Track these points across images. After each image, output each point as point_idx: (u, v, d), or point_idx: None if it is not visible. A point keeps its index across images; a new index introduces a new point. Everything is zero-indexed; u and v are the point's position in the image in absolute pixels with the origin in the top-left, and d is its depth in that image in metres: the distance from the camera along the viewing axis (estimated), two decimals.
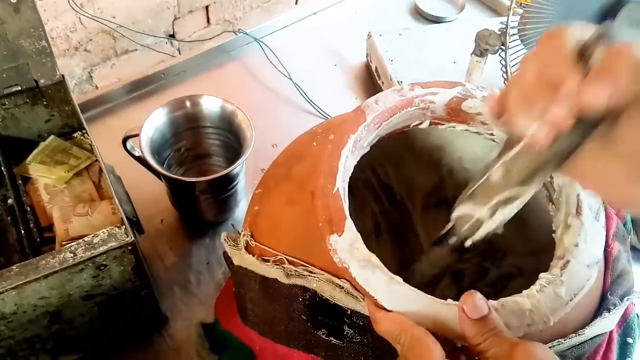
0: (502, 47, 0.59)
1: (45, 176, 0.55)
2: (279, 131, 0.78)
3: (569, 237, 0.37)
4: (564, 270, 0.35)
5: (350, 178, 0.61)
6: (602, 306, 0.40)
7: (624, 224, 0.70)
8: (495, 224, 0.38)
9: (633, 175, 0.28)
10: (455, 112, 0.44)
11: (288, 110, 0.83)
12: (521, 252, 0.56)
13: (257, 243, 0.43)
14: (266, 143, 0.76)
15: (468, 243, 0.39)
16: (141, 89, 0.82)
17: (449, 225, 0.41)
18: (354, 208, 0.62)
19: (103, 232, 0.44)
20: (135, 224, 0.56)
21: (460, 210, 0.39)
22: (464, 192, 0.39)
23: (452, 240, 0.41)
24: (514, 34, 0.60)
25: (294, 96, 0.84)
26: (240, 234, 0.46)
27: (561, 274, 0.35)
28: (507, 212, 0.37)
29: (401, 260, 0.63)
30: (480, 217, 0.38)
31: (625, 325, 0.43)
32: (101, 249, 0.43)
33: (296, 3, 1.59)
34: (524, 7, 0.60)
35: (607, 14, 0.59)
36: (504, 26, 0.58)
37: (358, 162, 0.47)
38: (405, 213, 0.63)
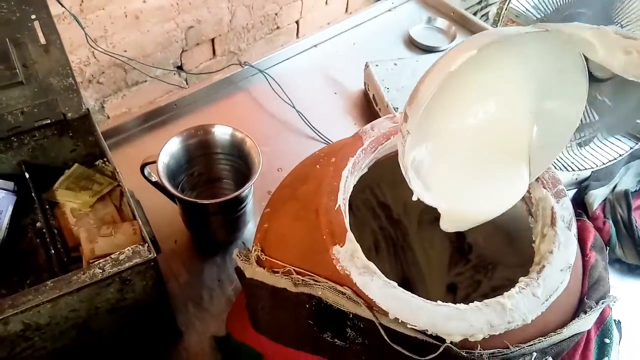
0: None
1: (71, 201, 0.60)
2: (284, 156, 0.84)
3: (544, 245, 0.41)
4: (540, 274, 0.39)
5: (351, 198, 0.66)
6: (579, 309, 0.45)
7: (609, 239, 0.74)
8: None
9: None
10: None
11: (292, 137, 0.89)
12: (511, 265, 0.61)
13: (267, 257, 0.48)
14: (272, 167, 0.81)
15: None
16: (155, 119, 0.88)
17: None
18: (355, 226, 0.67)
19: (128, 249, 0.49)
20: (153, 243, 0.60)
21: None
22: None
23: None
24: None
25: (297, 123, 0.90)
26: (250, 250, 0.50)
27: (538, 278, 0.39)
28: None
29: (400, 274, 0.67)
30: None
31: (602, 327, 0.47)
32: (127, 265, 0.48)
33: (297, 34, 1.66)
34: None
35: None
36: None
37: (357, 183, 0.52)
38: (403, 230, 0.68)
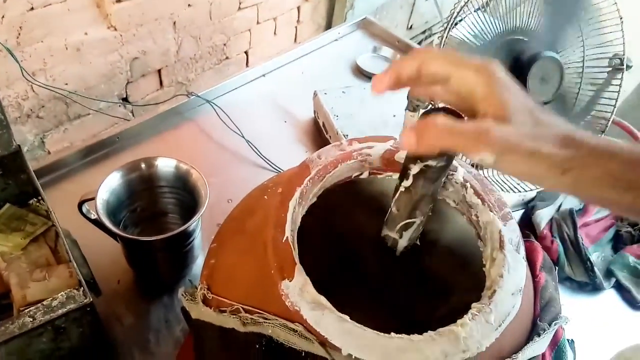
0: (432, 102, 0.66)
1: (1, 244, 0.56)
2: (233, 187, 0.81)
3: (494, 269, 0.41)
4: (491, 299, 0.39)
5: (304, 229, 0.65)
6: (533, 332, 0.45)
7: (558, 257, 0.76)
8: (406, 242, 0.52)
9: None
10: (389, 163, 0.49)
11: (242, 167, 0.87)
12: (466, 288, 0.60)
13: (213, 295, 0.45)
14: (221, 199, 0.79)
15: (397, 253, 0.54)
16: (96, 152, 0.84)
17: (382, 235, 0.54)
18: (310, 258, 0.66)
19: (61, 294, 0.45)
20: (92, 286, 0.56)
21: (383, 232, 0.53)
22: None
23: (385, 250, 0.54)
24: None
25: (247, 153, 0.88)
26: (197, 288, 0.48)
27: (489, 303, 0.39)
28: (411, 233, 0.51)
29: (356, 304, 0.65)
30: (394, 237, 0.52)
31: (557, 349, 0.47)
32: (60, 312, 0.44)
33: (247, 64, 1.66)
34: None
35: (523, 68, 0.67)
36: None
37: (310, 213, 0.50)
38: (359, 258, 0.67)
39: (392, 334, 0.37)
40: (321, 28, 1.85)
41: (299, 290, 0.39)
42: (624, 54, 0.72)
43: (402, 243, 0.52)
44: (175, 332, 0.64)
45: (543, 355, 0.45)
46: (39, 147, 1.29)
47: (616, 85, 0.73)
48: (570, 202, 0.82)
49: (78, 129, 1.32)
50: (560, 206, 0.82)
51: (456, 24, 0.70)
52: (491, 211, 0.44)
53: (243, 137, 0.89)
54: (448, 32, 0.65)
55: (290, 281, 0.39)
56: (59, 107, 1.25)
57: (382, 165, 0.49)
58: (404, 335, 0.37)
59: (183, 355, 0.58)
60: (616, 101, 0.73)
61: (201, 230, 0.67)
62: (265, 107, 0.98)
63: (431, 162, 0.42)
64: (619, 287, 0.75)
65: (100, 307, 0.65)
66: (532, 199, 0.83)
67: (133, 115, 1.41)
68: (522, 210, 0.84)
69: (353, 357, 0.36)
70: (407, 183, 0.46)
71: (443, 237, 0.61)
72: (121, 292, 0.67)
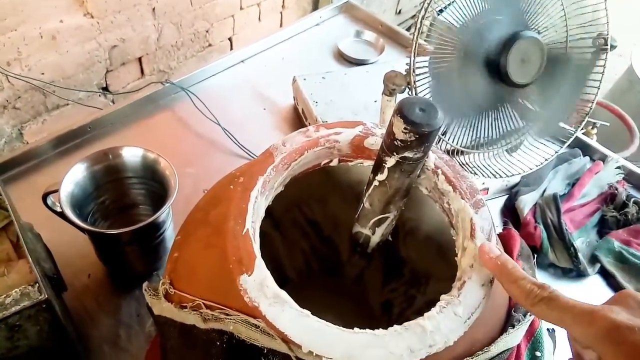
0: (408, 86, 0.64)
1: None
2: (210, 176, 0.78)
3: (465, 259, 0.39)
4: (461, 290, 0.37)
5: (278, 218, 0.63)
6: (507, 323, 0.43)
7: (541, 243, 0.74)
8: (378, 238, 0.50)
9: None
10: (359, 150, 0.47)
11: (219, 156, 0.85)
12: (443, 278, 0.59)
13: (175, 290, 0.43)
14: (198, 189, 0.76)
15: (369, 249, 0.52)
16: (67, 143, 0.82)
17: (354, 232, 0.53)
18: (285, 247, 0.64)
19: (15, 291, 0.43)
20: (56, 281, 0.54)
21: (355, 228, 0.52)
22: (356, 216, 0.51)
23: (357, 246, 0.53)
24: (420, 74, 0.64)
25: (225, 142, 0.86)
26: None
27: (458, 294, 0.37)
28: (384, 228, 0.49)
29: (332, 295, 0.64)
30: (366, 233, 0.50)
31: (533, 340, 0.46)
32: (13, 309, 0.42)
33: (231, 49, 1.63)
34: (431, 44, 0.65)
35: (502, 51, 0.64)
36: (409, 67, 0.62)
37: (283, 201, 0.48)
38: (334, 248, 0.65)
39: (356, 329, 0.35)
40: (307, 14, 1.81)
41: (258, 285, 0.37)
42: (607, 34, 0.69)
43: (375, 239, 0.50)
44: (146, 327, 0.62)
45: (519, 346, 0.44)
46: (17, 138, 1.26)
47: (600, 66, 0.71)
48: (554, 187, 0.80)
49: (57, 119, 1.29)
50: (544, 191, 0.80)
51: (441, 10, 0.68)
52: (462, 198, 0.42)
53: (219, 124, 0.87)
54: (424, 14, 0.62)
55: (249, 275, 0.37)
56: (36, 98, 1.22)
57: (352, 152, 0.47)
58: (368, 330, 0.35)
59: (153, 352, 0.56)
60: (600, 83, 0.71)
61: (174, 221, 0.65)
62: (244, 94, 0.96)
63: (408, 154, 0.40)
64: (604, 273, 0.74)
65: (70, 301, 0.63)
66: (516, 185, 0.82)
67: (114, 104, 1.38)
68: (506, 196, 0.82)
69: (315, 354, 0.35)
70: (381, 177, 0.44)
71: (421, 226, 0.59)
72: (92, 287, 0.65)
